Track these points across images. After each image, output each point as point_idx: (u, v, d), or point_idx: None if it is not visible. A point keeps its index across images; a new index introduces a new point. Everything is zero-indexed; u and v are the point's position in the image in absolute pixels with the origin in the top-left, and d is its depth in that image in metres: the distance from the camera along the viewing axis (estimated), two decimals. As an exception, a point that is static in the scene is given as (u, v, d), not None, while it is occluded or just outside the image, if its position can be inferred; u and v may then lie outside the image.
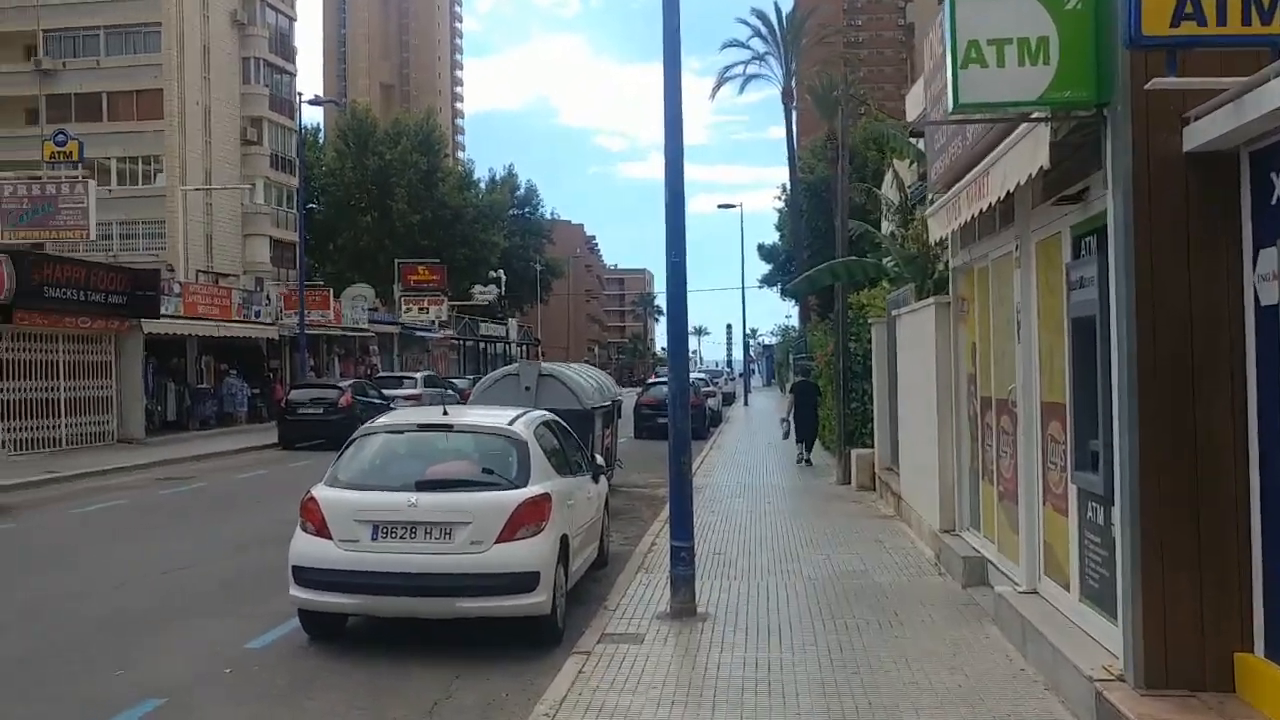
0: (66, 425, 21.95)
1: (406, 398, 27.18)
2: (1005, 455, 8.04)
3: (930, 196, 10.33)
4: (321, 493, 7.59)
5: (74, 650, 7.40)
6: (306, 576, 7.37)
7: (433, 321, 47.75)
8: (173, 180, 44.78)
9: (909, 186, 15.73)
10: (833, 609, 8.19)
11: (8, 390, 20.50)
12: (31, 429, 21.03)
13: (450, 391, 32.29)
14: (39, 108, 46.51)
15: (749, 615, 8.00)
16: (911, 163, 15.11)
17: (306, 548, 7.43)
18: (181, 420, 27.03)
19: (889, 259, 14.66)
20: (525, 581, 7.17)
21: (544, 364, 15.05)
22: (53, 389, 21.57)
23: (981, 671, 6.47)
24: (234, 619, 8.30)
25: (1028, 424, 7.37)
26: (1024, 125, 6.05)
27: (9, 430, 20.39)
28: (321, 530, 7.39)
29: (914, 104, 12.58)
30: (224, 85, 49.19)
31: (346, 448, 8.09)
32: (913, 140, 13.30)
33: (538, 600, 7.23)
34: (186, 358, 28.46)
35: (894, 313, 12.92)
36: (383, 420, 8.53)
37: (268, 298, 32.54)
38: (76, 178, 22.77)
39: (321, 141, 67.31)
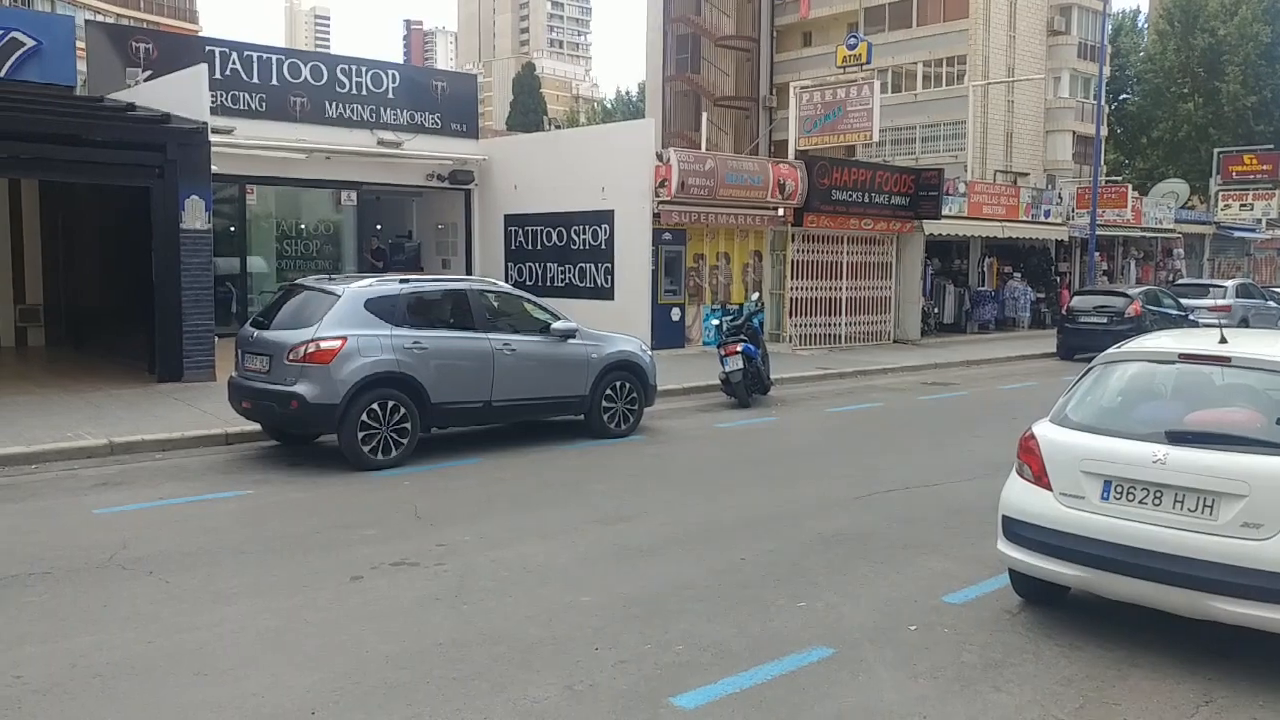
0: (846, 324, 22.81)
1: (1211, 309, 23.43)
2: None
3: None
4: (1044, 431, 6.09)
5: (780, 568, 6.97)
6: (1017, 531, 5.99)
7: (1258, 220, 40.93)
8: (974, 79, 44.39)
9: None
10: None
11: (797, 288, 21.85)
12: (815, 326, 22.22)
13: (1272, 304, 27.42)
14: (859, 21, 49.25)
15: None
16: None
17: (1019, 497, 6.04)
18: (959, 323, 26.64)
19: None
20: (1330, 594, 4.96)
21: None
22: (835, 288, 22.50)
23: None
24: (942, 559, 7.25)
25: None
26: None
27: (796, 326, 21.82)
28: (1040, 478, 5.92)
29: None
30: (1031, -25, 47.27)
31: (1083, 377, 6.42)
32: None
33: (1350, 627, 4.96)
34: (968, 259, 27.91)
35: None
36: (1134, 345, 6.60)
37: (1059, 196, 30.37)
38: (863, 80, 23.11)
39: (1141, 25, 61.68)
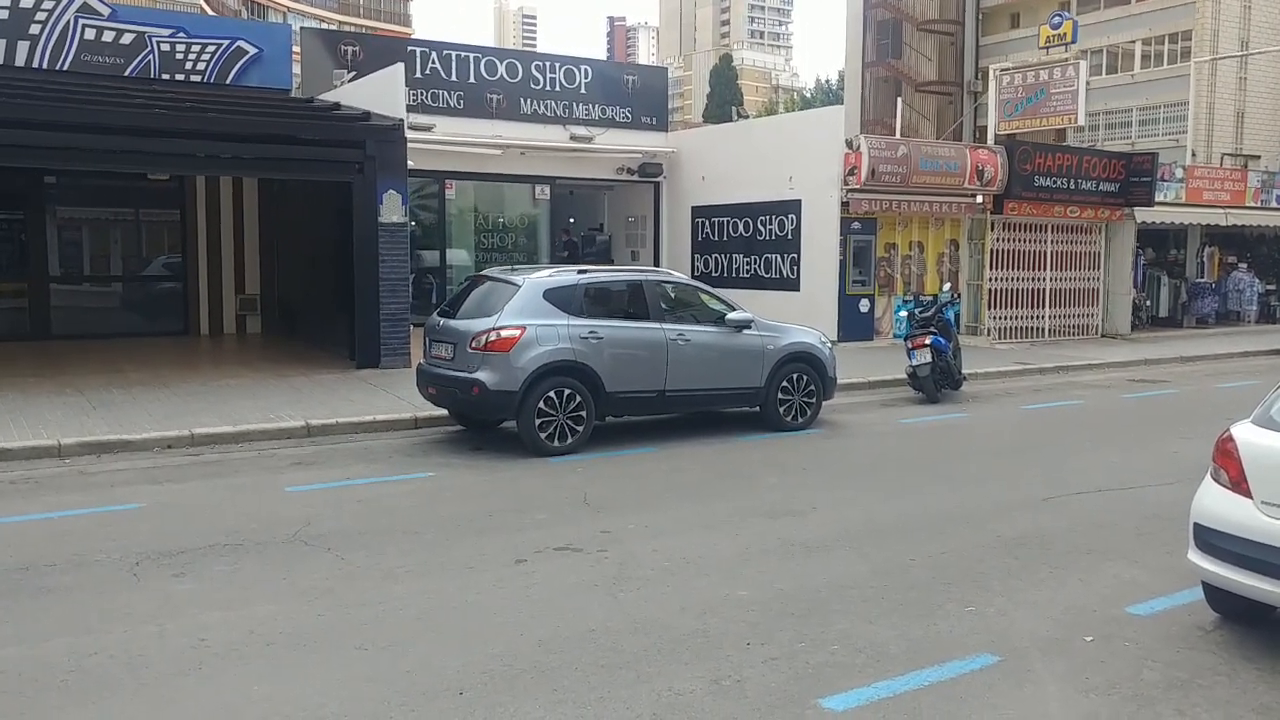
0: (1050, 316, 21.68)
1: None
2: None
3: None
4: (1244, 434, 5.58)
5: (952, 570, 6.67)
6: (1210, 541, 5.53)
7: None
8: (1200, 55, 41.28)
9: None
10: None
11: (996, 279, 20.92)
12: (1016, 318, 21.22)
13: None
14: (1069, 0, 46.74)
15: None
16: None
17: (1215, 503, 5.56)
18: (1174, 317, 24.87)
19: None
20: None
21: None
22: (1038, 279, 21.40)
23: None
24: (1131, 566, 6.78)
25: None
26: None
27: (995, 319, 20.90)
28: (1238, 484, 5.44)
29: None
30: (1271, -61, 43.48)
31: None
32: None
33: None
34: (1185, 249, 25.99)
35: None
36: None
37: (1292, 180, 27.83)
38: (1068, 61, 21.78)
39: None
